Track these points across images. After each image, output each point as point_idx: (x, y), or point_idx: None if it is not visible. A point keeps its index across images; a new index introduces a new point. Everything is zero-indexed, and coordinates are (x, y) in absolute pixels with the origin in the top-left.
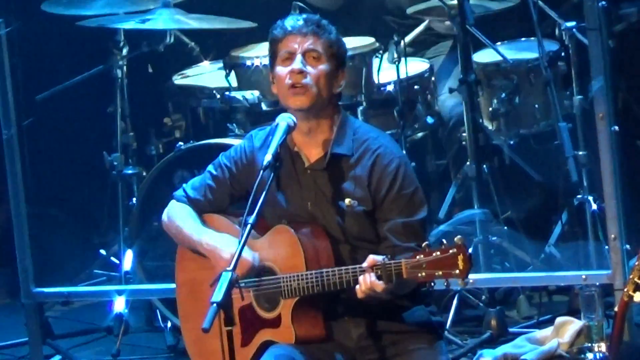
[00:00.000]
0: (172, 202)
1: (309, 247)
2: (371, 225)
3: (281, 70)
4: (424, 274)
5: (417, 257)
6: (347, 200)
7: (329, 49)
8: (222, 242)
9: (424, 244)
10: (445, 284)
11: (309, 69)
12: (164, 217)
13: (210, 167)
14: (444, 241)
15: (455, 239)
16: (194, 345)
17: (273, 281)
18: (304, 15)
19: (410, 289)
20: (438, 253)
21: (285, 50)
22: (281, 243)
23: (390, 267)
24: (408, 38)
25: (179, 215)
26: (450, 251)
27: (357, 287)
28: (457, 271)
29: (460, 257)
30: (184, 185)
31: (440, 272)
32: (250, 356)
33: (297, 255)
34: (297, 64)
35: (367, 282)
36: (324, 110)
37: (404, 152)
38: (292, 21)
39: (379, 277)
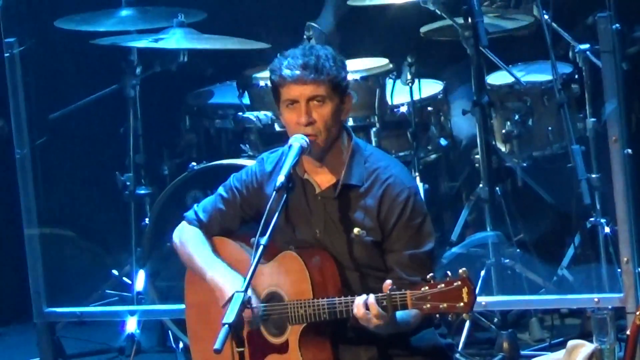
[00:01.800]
0: (184, 225)
1: (316, 274)
2: (380, 254)
3: (287, 114)
4: (428, 305)
5: (422, 288)
6: (355, 230)
7: (330, 87)
8: (228, 282)
9: (429, 276)
10: (451, 317)
11: (314, 115)
12: (175, 239)
13: (220, 190)
14: (449, 273)
15: (460, 271)
16: None
17: (280, 307)
18: (300, 61)
19: (408, 328)
20: (442, 285)
21: (287, 97)
22: (288, 269)
23: (395, 298)
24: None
25: (191, 241)
26: (455, 284)
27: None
28: (462, 304)
29: (464, 290)
30: (195, 206)
31: (445, 305)
32: None
33: (304, 281)
34: (302, 115)
35: (361, 311)
36: (335, 140)
37: (416, 174)
38: (290, 70)
39: (383, 308)
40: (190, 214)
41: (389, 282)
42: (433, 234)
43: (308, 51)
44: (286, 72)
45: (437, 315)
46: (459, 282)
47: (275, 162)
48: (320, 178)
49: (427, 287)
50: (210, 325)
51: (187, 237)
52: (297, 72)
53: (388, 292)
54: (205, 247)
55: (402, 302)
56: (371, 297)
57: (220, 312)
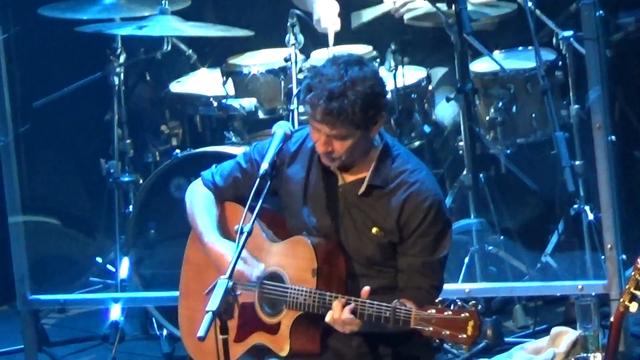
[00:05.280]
0: (198, 184)
1: (324, 266)
2: (393, 254)
3: (312, 132)
4: (431, 329)
5: (429, 311)
6: (374, 230)
7: (351, 125)
8: (227, 249)
9: (437, 301)
10: (450, 344)
11: (335, 146)
12: (187, 196)
13: (240, 158)
14: (458, 302)
15: (470, 303)
16: (187, 323)
17: (281, 289)
18: (324, 104)
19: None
20: (450, 313)
21: (311, 120)
22: (297, 253)
23: (400, 313)
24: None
25: (199, 205)
26: (462, 315)
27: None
28: (465, 336)
29: (471, 323)
30: (214, 168)
31: (448, 332)
32: (240, 354)
33: (309, 270)
34: (321, 145)
35: (338, 314)
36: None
37: None
38: (313, 109)
39: (386, 320)
40: (207, 174)
41: (367, 289)
42: (450, 242)
43: (338, 89)
44: (311, 101)
45: (437, 341)
46: (467, 314)
47: (300, 142)
48: (345, 172)
49: (433, 311)
50: (204, 285)
51: (198, 199)
52: (318, 116)
53: (393, 305)
54: (211, 214)
55: (405, 318)
56: (343, 306)
57: (215, 275)
